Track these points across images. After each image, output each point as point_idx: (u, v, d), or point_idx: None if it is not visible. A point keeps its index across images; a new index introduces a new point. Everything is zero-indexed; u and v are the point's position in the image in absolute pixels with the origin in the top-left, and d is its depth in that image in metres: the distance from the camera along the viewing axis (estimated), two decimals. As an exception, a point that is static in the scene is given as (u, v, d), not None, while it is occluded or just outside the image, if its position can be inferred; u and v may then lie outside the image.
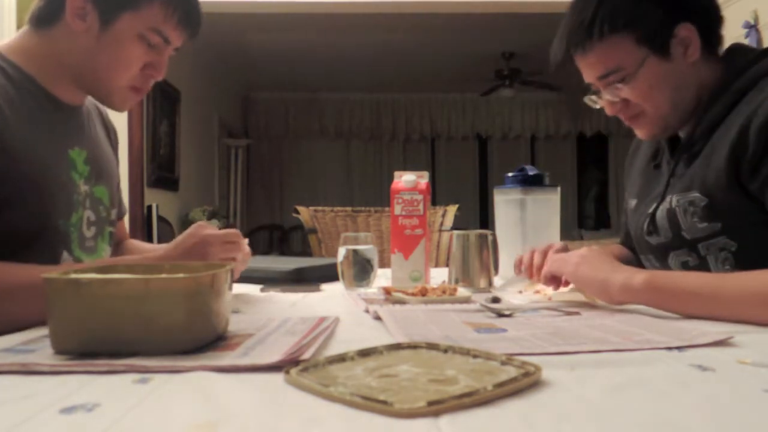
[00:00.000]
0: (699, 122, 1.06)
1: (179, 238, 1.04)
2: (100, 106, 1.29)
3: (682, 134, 1.12)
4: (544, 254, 1.12)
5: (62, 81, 1.07)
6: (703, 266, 1.04)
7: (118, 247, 1.33)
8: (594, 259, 0.97)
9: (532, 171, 1.41)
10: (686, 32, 1.04)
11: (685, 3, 1.06)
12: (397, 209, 1.26)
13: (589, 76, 1.11)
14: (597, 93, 1.12)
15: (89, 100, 1.22)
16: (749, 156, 0.93)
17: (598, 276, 0.93)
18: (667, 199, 1.09)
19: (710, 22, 1.08)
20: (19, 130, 0.98)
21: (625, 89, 1.07)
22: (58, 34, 1.04)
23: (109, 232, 1.20)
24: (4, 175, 0.95)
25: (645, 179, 1.22)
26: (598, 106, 1.14)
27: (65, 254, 1.05)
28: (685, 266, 1.08)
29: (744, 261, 0.97)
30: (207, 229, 1.03)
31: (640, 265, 1.18)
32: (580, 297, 1.00)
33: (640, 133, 1.14)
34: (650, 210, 1.12)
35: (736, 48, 1.11)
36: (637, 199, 1.22)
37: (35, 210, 0.99)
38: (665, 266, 1.12)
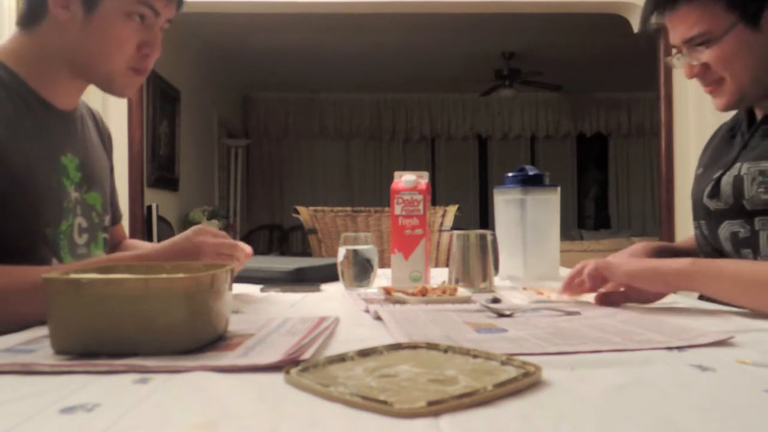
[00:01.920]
0: None
1: (176, 237, 1.03)
2: (94, 110, 1.28)
3: (759, 113, 1.12)
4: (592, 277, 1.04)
5: (55, 82, 1.06)
6: (752, 240, 1.04)
7: (116, 249, 1.33)
8: (633, 258, 1.01)
9: (532, 171, 1.41)
10: None
11: None
12: (397, 209, 1.26)
13: (674, 36, 1.10)
14: (679, 53, 1.11)
15: (83, 105, 1.21)
16: None
17: (647, 266, 0.94)
18: (736, 165, 1.08)
19: None
20: (7, 135, 0.97)
21: (706, 53, 1.06)
22: (45, 30, 1.03)
23: (103, 238, 1.19)
24: None
25: (717, 151, 1.21)
26: (674, 66, 1.14)
27: (55, 262, 1.03)
28: (734, 237, 1.07)
29: None
30: (206, 235, 1.02)
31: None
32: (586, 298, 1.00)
33: (717, 102, 1.13)
34: (716, 175, 1.12)
35: None
36: (703, 168, 1.22)
37: (21, 217, 0.99)
38: (714, 235, 1.12)
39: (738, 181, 1.06)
